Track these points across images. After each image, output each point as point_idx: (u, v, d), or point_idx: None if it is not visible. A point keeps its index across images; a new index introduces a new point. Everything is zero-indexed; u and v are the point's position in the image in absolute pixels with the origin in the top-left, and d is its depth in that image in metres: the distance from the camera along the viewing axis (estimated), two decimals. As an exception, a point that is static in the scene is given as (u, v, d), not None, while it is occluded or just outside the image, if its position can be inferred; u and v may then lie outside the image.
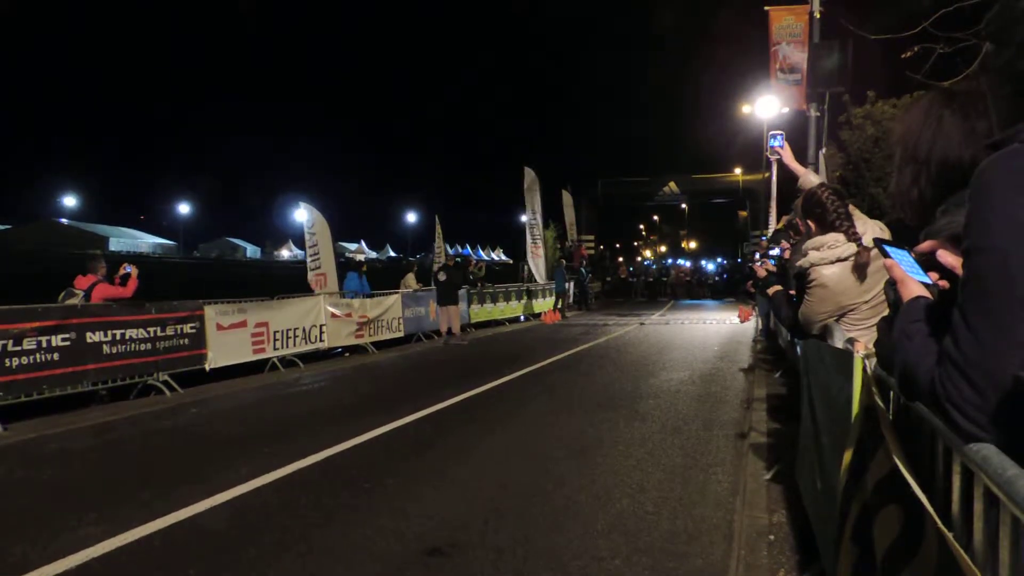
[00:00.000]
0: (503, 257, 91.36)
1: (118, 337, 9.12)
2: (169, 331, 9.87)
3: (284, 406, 9.25)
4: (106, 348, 8.96)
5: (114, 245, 74.06)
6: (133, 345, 9.33)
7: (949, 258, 1.44)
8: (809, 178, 4.46)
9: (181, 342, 10.08)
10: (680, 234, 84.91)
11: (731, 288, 37.99)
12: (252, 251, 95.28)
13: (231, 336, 10.99)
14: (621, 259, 57.49)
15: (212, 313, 10.66)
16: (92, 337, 8.79)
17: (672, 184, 42.46)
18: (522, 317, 23.49)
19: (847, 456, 2.18)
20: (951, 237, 1.48)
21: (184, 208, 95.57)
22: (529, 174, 26.53)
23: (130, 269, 9.86)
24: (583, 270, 30.37)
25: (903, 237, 2.02)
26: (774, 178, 17.50)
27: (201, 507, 5.03)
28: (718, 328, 19.66)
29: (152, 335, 9.61)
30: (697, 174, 44.02)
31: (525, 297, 24.18)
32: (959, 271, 1.32)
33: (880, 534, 1.69)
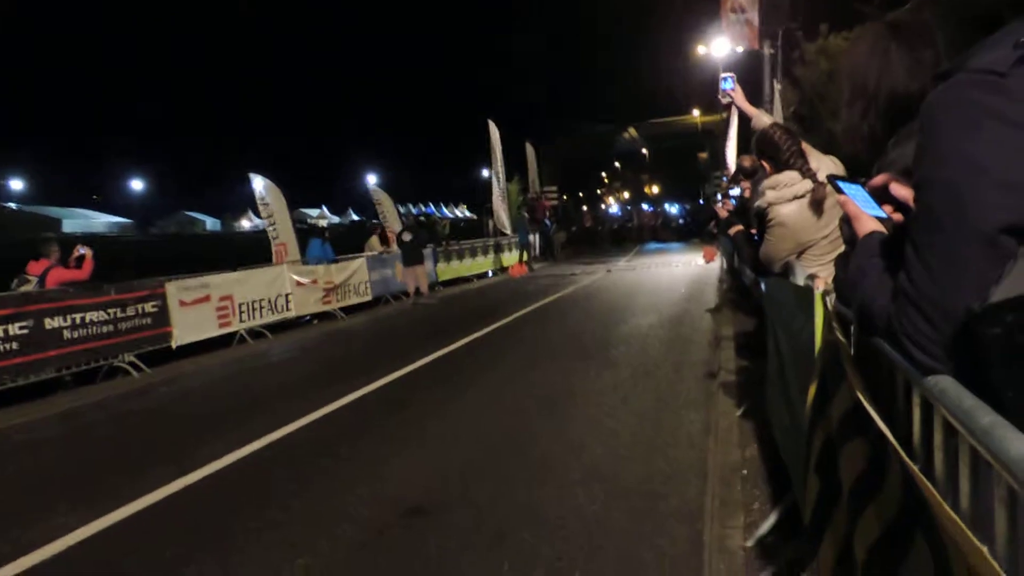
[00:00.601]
0: (467, 213, 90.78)
1: (78, 321, 8.93)
2: (131, 311, 9.68)
3: (255, 379, 9.18)
4: (67, 333, 8.77)
5: (68, 227, 72.10)
6: (95, 328, 9.15)
7: (901, 191, 1.44)
8: (761, 119, 4.46)
9: (144, 321, 9.91)
10: (642, 179, 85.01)
11: (695, 230, 38.30)
12: (212, 223, 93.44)
13: (195, 312, 10.82)
14: (585, 208, 57.50)
15: (174, 290, 10.47)
16: (51, 323, 8.59)
17: (632, 130, 42.44)
18: (490, 272, 23.47)
19: (812, 391, 2.20)
20: (903, 170, 1.48)
21: (138, 184, 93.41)
22: (493, 128, 26.24)
23: (84, 251, 9.63)
24: (547, 221, 30.33)
25: (859, 171, 2.02)
26: (734, 119, 17.50)
27: (177, 486, 5.00)
28: (684, 270, 19.84)
29: (113, 316, 9.42)
30: (656, 118, 43.94)
31: (492, 252, 24.12)
32: (912, 203, 1.32)
33: (846, 467, 1.72)
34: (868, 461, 1.53)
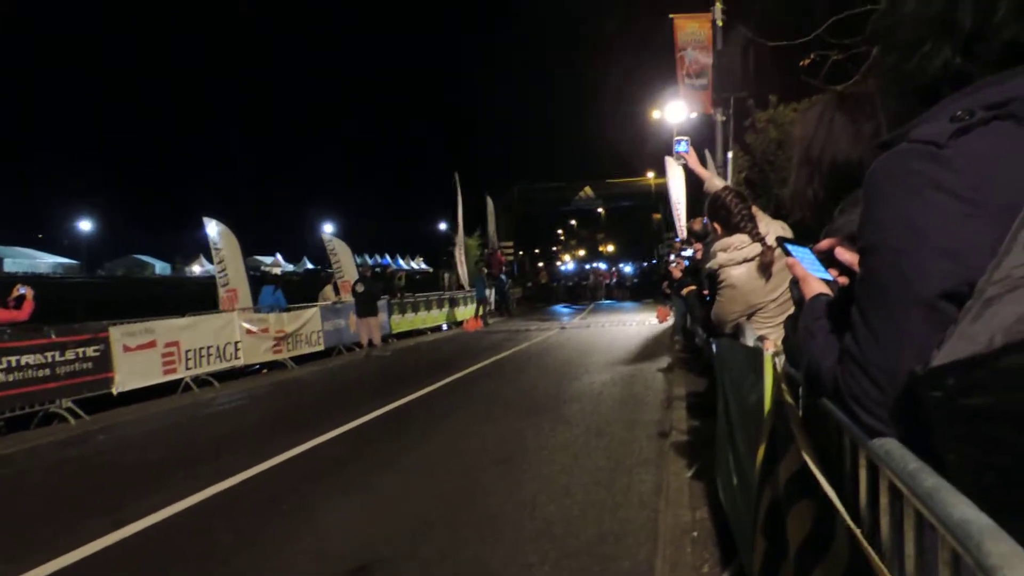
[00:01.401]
0: (423, 266, 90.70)
1: (13, 364, 8.60)
2: (70, 355, 9.37)
3: (199, 428, 8.91)
4: (1, 376, 8.43)
5: (9, 266, 69.94)
6: (31, 371, 8.82)
7: (847, 255, 1.49)
8: (714, 182, 4.58)
9: (85, 366, 9.59)
10: (597, 238, 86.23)
11: (649, 289, 38.80)
12: (161, 267, 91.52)
13: (139, 357, 10.52)
14: (541, 264, 57.96)
15: (118, 334, 10.19)
16: (-15, 365, 8.26)
17: (587, 189, 43.17)
18: (444, 326, 23.38)
19: (760, 452, 2.22)
20: (848, 236, 1.53)
21: (86, 225, 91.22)
22: (456, 181, 26.51)
23: (24, 291, 9.34)
24: (503, 276, 30.48)
25: (806, 236, 2.09)
26: (678, 181, 17.94)
27: (110, 540, 4.78)
28: (638, 329, 20.02)
29: (51, 360, 9.10)
30: (612, 179, 44.84)
31: (447, 305, 24.08)
32: (856, 267, 1.36)
33: (793, 529, 1.73)
34: (815, 523, 1.54)
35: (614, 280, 46.56)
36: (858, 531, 1.06)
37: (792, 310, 1.98)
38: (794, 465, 1.72)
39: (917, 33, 1.21)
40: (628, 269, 56.25)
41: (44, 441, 8.23)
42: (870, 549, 0.98)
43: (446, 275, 28.10)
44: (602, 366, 12.48)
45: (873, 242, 1.17)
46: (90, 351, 9.69)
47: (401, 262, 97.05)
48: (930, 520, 0.93)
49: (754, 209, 3.98)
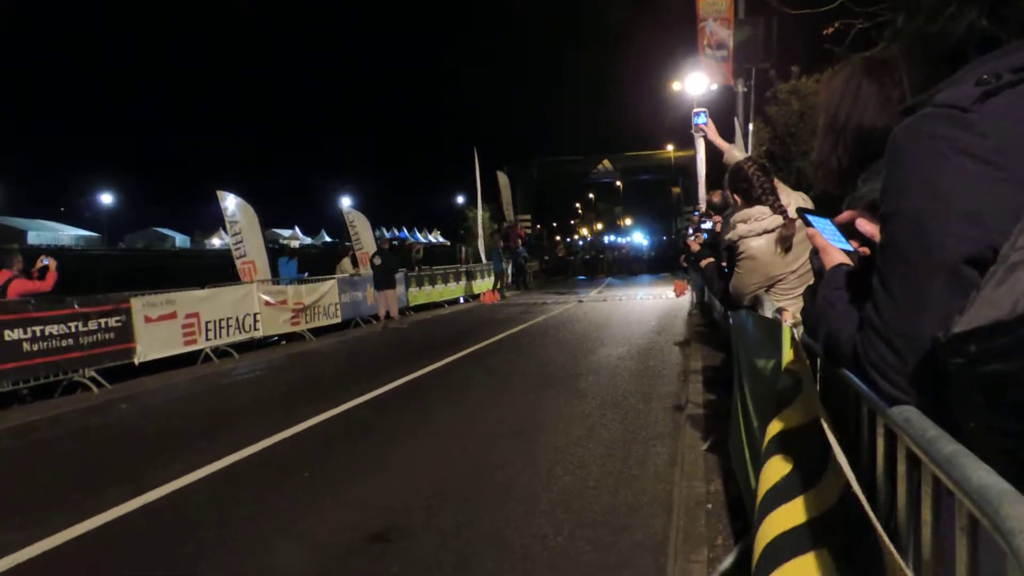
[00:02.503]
0: (441, 239, 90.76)
1: (38, 334, 8.72)
2: (93, 325, 9.49)
3: (218, 398, 9.02)
4: (26, 346, 8.56)
5: (33, 239, 70.75)
6: (55, 341, 8.94)
7: (867, 227, 1.46)
8: (734, 153, 4.53)
9: (107, 336, 9.71)
10: (616, 211, 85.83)
11: (666, 263, 38.66)
12: (181, 240, 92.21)
13: (160, 328, 10.65)
14: (558, 238, 57.85)
15: (139, 305, 10.30)
16: (10, 335, 8.38)
17: (606, 162, 42.86)
18: (462, 299, 23.44)
19: (771, 425, 2.21)
20: (869, 205, 1.50)
21: (107, 198, 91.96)
22: (475, 156, 26.44)
23: (48, 262, 9.46)
24: (520, 250, 30.46)
25: (827, 208, 2.06)
26: (701, 155, 17.78)
27: (133, 506, 4.87)
28: (654, 303, 19.97)
29: (75, 330, 9.22)
30: (630, 151, 44.48)
31: (464, 278, 24.12)
32: (877, 239, 1.34)
33: (766, 476, 1.73)
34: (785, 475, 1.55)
35: (631, 253, 46.40)
36: (863, 497, 1.05)
37: (812, 282, 1.96)
38: (794, 420, 1.72)
39: None
40: (646, 243, 55.99)
41: (67, 409, 8.37)
42: (875, 519, 0.97)
43: (463, 248, 28.11)
44: (618, 339, 12.48)
45: (895, 207, 1.15)
46: (112, 322, 9.81)
47: (419, 235, 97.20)
48: (948, 486, 0.92)
49: (775, 181, 3.93)
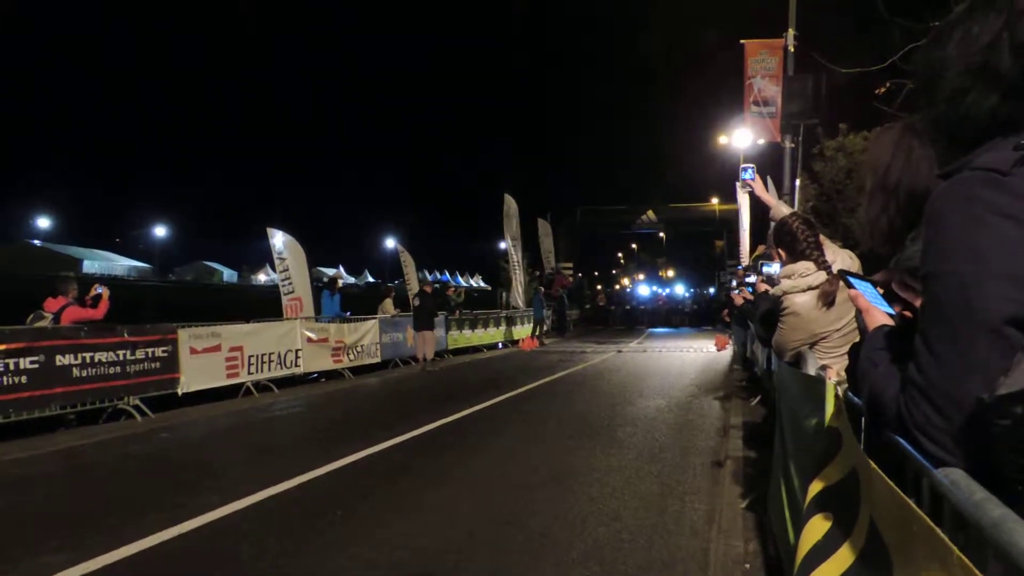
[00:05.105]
0: (482, 284, 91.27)
1: (88, 360, 8.96)
2: (140, 354, 9.72)
3: (257, 432, 9.12)
4: (75, 371, 8.80)
5: (88, 267, 73.11)
6: (103, 368, 9.17)
7: (904, 292, 1.47)
8: (780, 209, 4.52)
9: (153, 366, 9.93)
10: (658, 262, 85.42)
11: (708, 316, 38.24)
12: (229, 275, 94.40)
13: (205, 360, 10.85)
14: (600, 287, 57.72)
15: (185, 337, 10.53)
16: (61, 360, 8.63)
17: (650, 212, 42.94)
18: (500, 344, 23.45)
19: (813, 485, 2.17)
20: (910, 269, 1.51)
21: (160, 231, 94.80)
22: (509, 202, 26.69)
23: (101, 290, 9.74)
24: (563, 297, 30.46)
25: (877, 266, 2.05)
26: (745, 209, 17.69)
27: (169, 534, 4.92)
28: (695, 356, 19.73)
29: (123, 358, 9.45)
30: (675, 203, 44.52)
31: (504, 323, 24.16)
32: (914, 302, 1.34)
33: (808, 534, 1.70)
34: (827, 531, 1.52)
35: (672, 306, 46.04)
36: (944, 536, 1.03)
37: (857, 340, 1.95)
38: (834, 476, 1.70)
39: (960, 83, 1.20)
40: (687, 295, 55.51)
41: (111, 436, 8.54)
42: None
43: (503, 293, 28.21)
44: (657, 391, 12.34)
45: (936, 269, 1.16)
46: (159, 351, 10.03)
47: (460, 279, 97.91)
48: (996, 550, 0.90)
49: (821, 237, 3.91)
